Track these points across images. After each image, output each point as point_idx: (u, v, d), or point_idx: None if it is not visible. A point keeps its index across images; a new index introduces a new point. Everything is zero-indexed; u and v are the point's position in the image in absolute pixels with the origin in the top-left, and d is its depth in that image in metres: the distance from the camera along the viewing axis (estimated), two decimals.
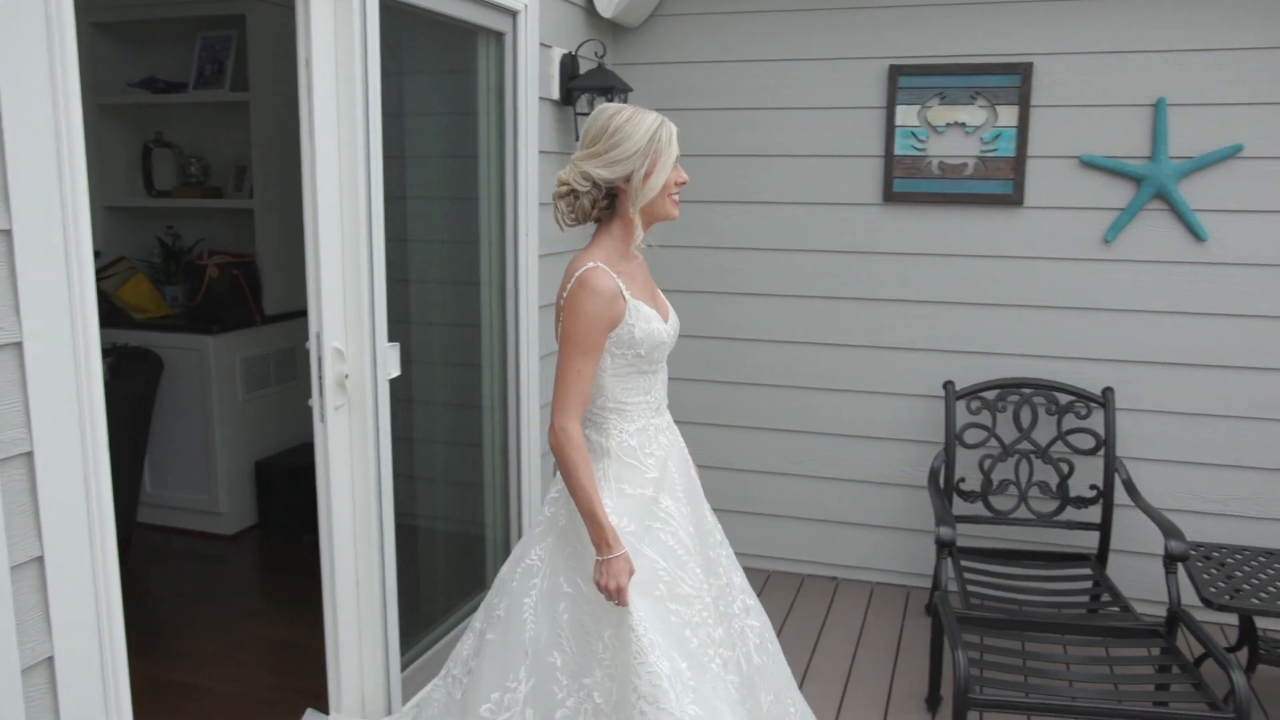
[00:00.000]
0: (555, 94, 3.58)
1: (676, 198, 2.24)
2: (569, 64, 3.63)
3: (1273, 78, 3.51)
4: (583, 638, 2.19)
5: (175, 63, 4.76)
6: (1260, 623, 3.46)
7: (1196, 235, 3.63)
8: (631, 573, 2.11)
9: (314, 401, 2.58)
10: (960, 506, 3.80)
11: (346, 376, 2.61)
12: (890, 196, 3.90)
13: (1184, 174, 3.60)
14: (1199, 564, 3.27)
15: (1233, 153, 3.55)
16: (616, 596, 2.09)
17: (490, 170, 3.36)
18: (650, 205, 2.19)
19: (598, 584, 2.10)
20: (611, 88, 3.57)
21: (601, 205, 2.22)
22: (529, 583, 2.25)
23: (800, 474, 4.20)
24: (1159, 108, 3.59)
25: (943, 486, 3.72)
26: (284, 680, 3.33)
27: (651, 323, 2.20)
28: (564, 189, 2.20)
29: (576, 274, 2.15)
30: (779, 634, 3.69)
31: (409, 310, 3.10)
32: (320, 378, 2.56)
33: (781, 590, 4.12)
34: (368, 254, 2.59)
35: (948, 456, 3.73)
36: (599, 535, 2.10)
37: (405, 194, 3.04)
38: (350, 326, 2.62)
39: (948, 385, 3.80)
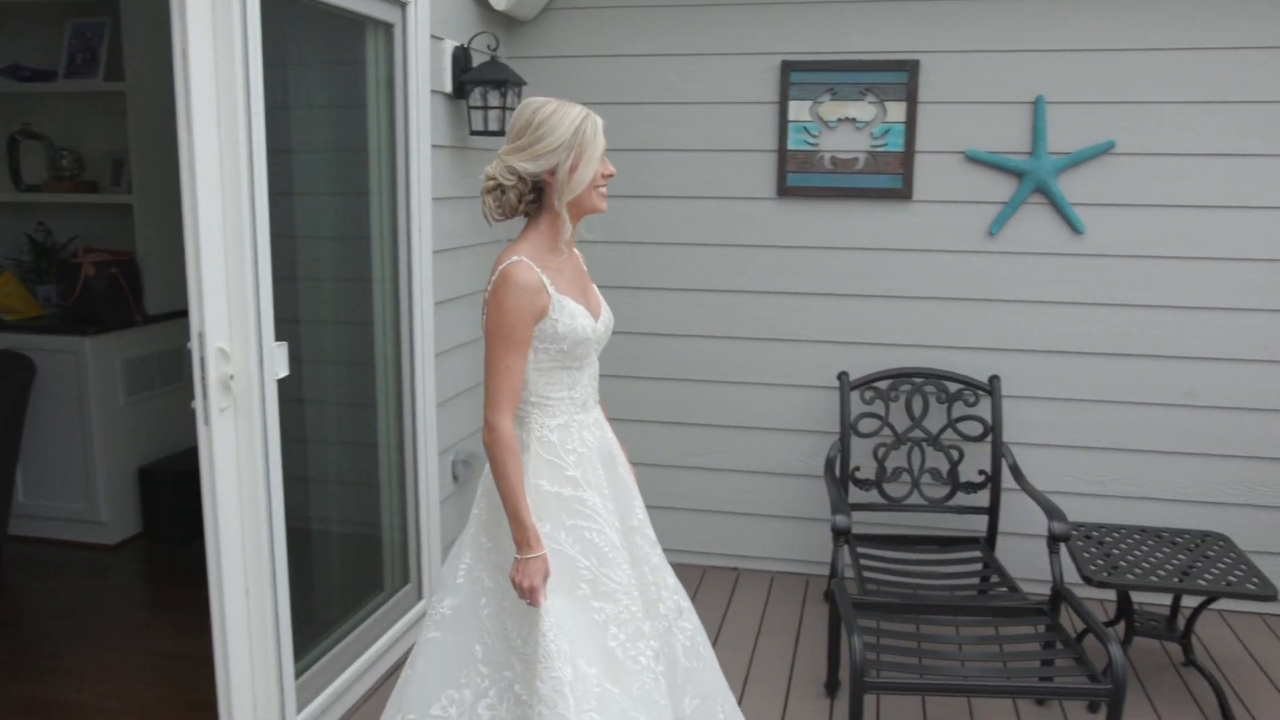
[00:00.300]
0: (448, 87, 3.52)
1: (604, 191, 2.23)
2: (461, 57, 3.57)
3: (1141, 78, 3.67)
4: (502, 632, 2.22)
5: (42, 50, 4.52)
6: (1136, 597, 3.62)
7: (1074, 228, 3.78)
8: (547, 575, 2.12)
9: (197, 404, 2.49)
10: (856, 494, 3.89)
11: (232, 377, 2.52)
12: (784, 190, 3.95)
13: (1062, 169, 3.74)
14: (1080, 543, 3.41)
15: (1106, 149, 3.71)
16: (530, 596, 2.10)
17: (381, 165, 3.28)
18: (577, 199, 2.17)
19: (514, 581, 2.11)
20: (505, 81, 3.53)
21: (528, 199, 2.20)
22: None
23: (700, 466, 4.24)
24: (1038, 105, 3.72)
25: (838, 475, 3.79)
26: (171, 693, 3.21)
27: (576, 319, 2.18)
28: (490, 183, 2.18)
29: (499, 268, 2.13)
30: None
31: (298, 308, 3.01)
32: (203, 379, 2.47)
33: (683, 583, 4.13)
34: (252, 251, 2.50)
35: (843, 446, 3.81)
36: (521, 535, 2.11)
37: (292, 189, 2.94)
38: (235, 325, 2.52)
39: (842, 376, 3.87)
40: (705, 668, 2.48)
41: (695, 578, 4.19)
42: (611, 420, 4.25)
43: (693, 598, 3.97)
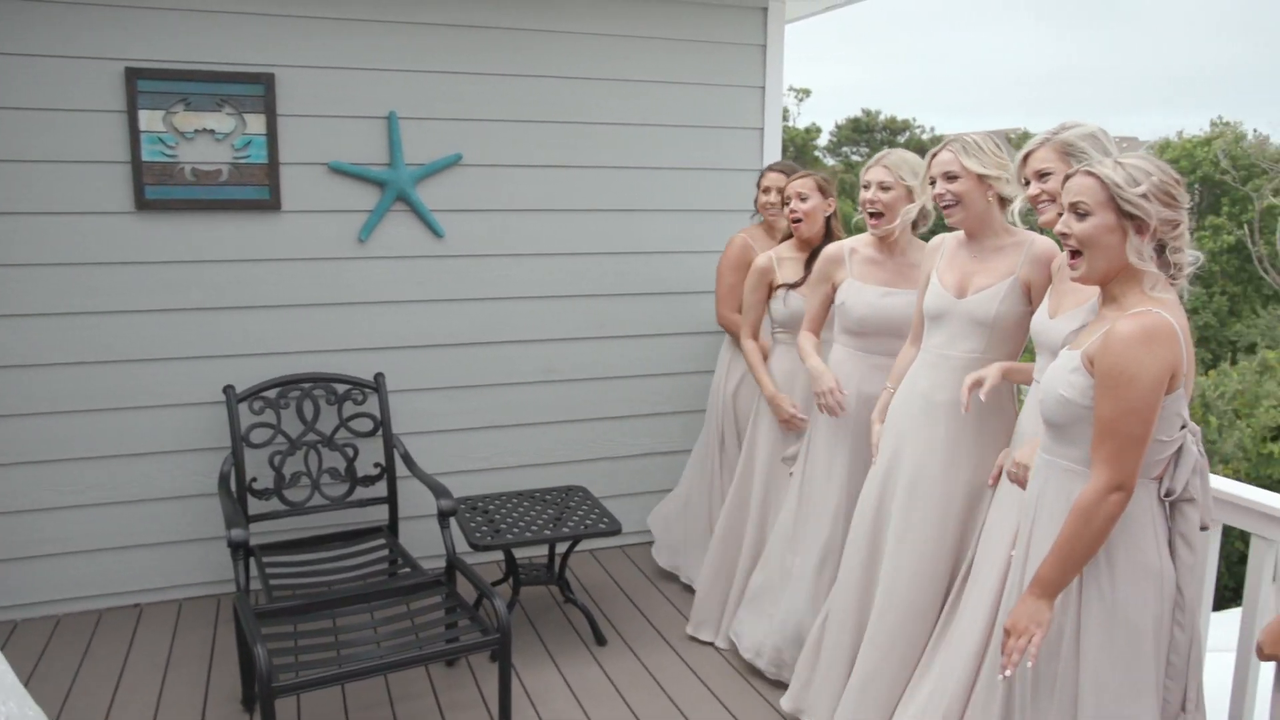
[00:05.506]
0: None
1: None
2: None
3: (481, 99, 4.15)
4: None
5: None
6: (519, 552, 4.14)
7: (435, 232, 4.16)
8: None
9: None
10: (256, 505, 3.88)
11: None
12: (143, 204, 3.76)
13: (419, 179, 4.09)
14: (466, 515, 3.81)
15: (454, 161, 4.14)
16: None
17: None
18: None
19: None
20: None
21: None
22: None
23: (84, 504, 3.88)
24: (391, 120, 4.01)
25: (234, 489, 3.76)
26: None
27: None
28: None
29: None
30: (72, 685, 3.42)
31: None
32: None
33: (75, 633, 3.79)
34: None
35: (236, 459, 3.78)
36: None
37: None
38: None
39: (228, 389, 3.83)
40: None
41: (90, 625, 3.85)
42: None
43: (86, 649, 3.69)
